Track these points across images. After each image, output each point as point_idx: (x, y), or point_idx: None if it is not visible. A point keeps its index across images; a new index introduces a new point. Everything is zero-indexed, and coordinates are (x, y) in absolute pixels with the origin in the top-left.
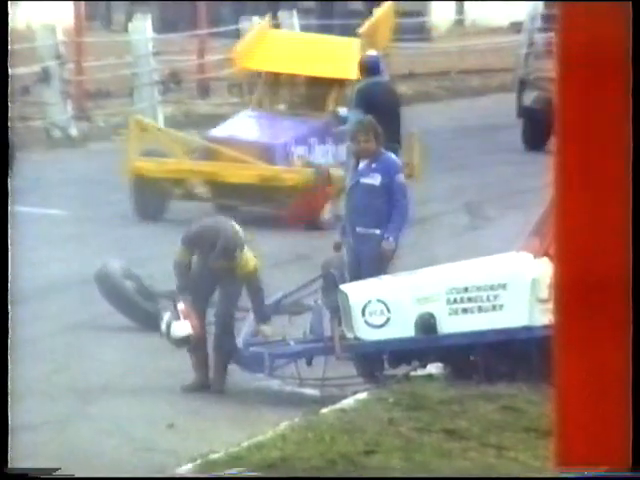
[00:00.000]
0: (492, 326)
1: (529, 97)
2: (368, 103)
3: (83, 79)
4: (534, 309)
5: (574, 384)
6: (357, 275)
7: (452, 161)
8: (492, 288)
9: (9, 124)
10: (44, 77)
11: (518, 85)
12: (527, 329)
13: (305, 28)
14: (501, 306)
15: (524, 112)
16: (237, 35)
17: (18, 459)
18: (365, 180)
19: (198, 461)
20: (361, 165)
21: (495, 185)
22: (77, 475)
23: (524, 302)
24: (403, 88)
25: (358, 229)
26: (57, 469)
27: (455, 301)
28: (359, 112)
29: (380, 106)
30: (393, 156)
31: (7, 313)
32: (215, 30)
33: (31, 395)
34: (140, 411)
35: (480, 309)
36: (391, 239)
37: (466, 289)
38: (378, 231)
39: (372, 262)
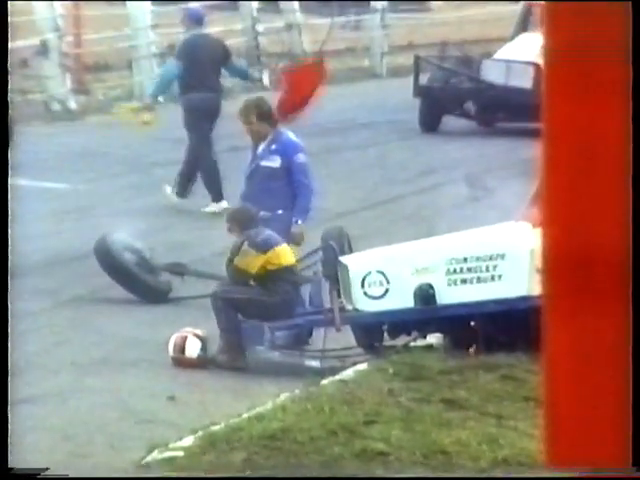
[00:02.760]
0: (491, 296)
1: (425, 76)
2: (190, 55)
3: (82, 52)
4: (533, 279)
5: (563, 363)
6: None
7: (452, 131)
8: (491, 258)
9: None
10: (43, 50)
11: (414, 63)
12: (526, 299)
13: (305, 5)
14: (500, 276)
15: (420, 91)
16: (236, 7)
17: (19, 433)
18: (265, 163)
19: (199, 433)
20: (260, 147)
21: (495, 155)
22: (71, 474)
23: (523, 272)
24: (402, 59)
25: (261, 213)
26: (46, 468)
27: (454, 271)
28: (179, 64)
29: (202, 58)
30: (292, 135)
31: (6, 287)
32: (214, 2)
33: (31, 368)
34: (141, 384)
35: (479, 279)
36: (300, 222)
37: (465, 259)
38: (281, 211)
39: None
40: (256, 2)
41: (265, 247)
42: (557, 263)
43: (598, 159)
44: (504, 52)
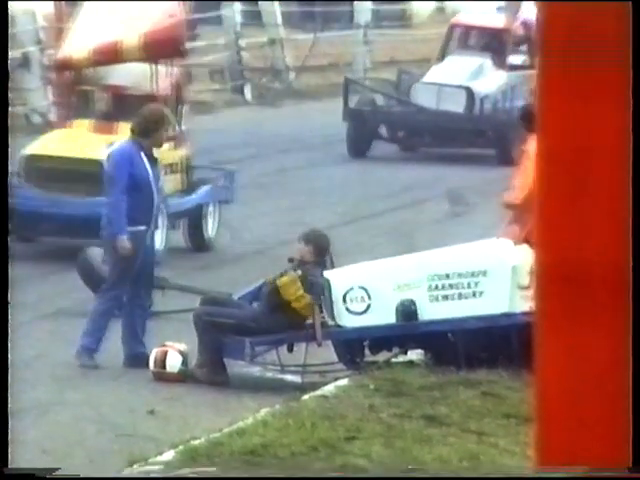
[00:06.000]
0: (472, 313)
1: (354, 99)
2: None
3: None
4: (514, 296)
5: (555, 376)
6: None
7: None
8: (473, 275)
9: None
10: (24, 63)
11: (344, 85)
12: (507, 316)
13: (287, 15)
14: (481, 293)
15: (349, 114)
16: (219, 22)
17: None
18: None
19: (179, 447)
20: (142, 156)
21: (476, 172)
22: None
23: (504, 289)
24: (384, 75)
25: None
26: (58, 469)
27: (436, 288)
28: None
29: None
30: None
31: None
32: (197, 16)
33: (11, 382)
34: (121, 397)
35: (461, 296)
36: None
37: (447, 276)
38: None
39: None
40: (239, 17)
41: (311, 290)
42: (550, 279)
43: (595, 169)
44: (434, 75)
